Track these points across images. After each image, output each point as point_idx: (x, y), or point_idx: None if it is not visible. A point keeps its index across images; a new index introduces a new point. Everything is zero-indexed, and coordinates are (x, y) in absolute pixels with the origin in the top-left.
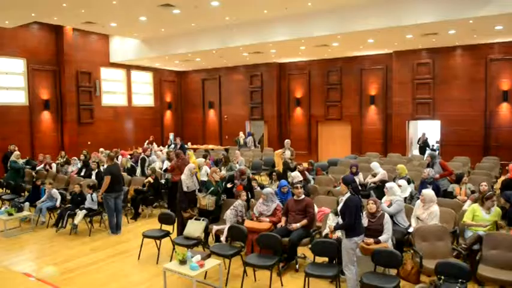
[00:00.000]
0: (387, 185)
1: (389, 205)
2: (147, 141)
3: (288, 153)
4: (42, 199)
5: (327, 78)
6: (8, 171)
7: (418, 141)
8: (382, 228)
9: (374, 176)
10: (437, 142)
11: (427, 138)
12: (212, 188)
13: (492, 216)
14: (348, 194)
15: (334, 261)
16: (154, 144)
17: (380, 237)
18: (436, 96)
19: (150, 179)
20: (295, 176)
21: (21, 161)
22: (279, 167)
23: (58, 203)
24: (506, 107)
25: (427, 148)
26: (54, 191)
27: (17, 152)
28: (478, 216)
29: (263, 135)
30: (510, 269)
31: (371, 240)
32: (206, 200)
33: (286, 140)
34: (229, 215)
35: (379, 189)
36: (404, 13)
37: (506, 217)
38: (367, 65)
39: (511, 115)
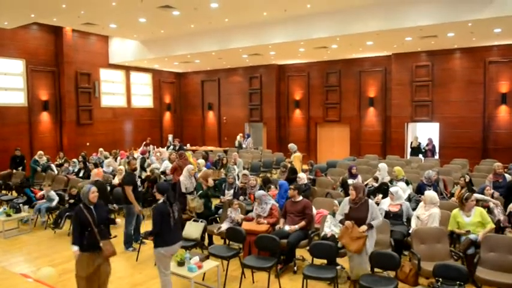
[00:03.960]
0: (392, 190)
1: (400, 209)
2: (144, 143)
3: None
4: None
5: (326, 80)
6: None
7: (410, 145)
8: (366, 214)
9: (375, 179)
10: (427, 145)
11: (420, 143)
12: (200, 192)
13: (474, 218)
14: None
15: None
16: (151, 146)
17: (372, 222)
18: (434, 99)
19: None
20: (302, 177)
21: (44, 160)
22: (299, 171)
23: (55, 203)
24: (504, 109)
25: (421, 153)
26: (52, 193)
27: (40, 152)
28: (461, 222)
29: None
30: (508, 272)
31: (364, 227)
32: (195, 203)
33: (291, 145)
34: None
35: (379, 192)
36: (404, 16)
37: None
38: (366, 67)
39: (509, 118)
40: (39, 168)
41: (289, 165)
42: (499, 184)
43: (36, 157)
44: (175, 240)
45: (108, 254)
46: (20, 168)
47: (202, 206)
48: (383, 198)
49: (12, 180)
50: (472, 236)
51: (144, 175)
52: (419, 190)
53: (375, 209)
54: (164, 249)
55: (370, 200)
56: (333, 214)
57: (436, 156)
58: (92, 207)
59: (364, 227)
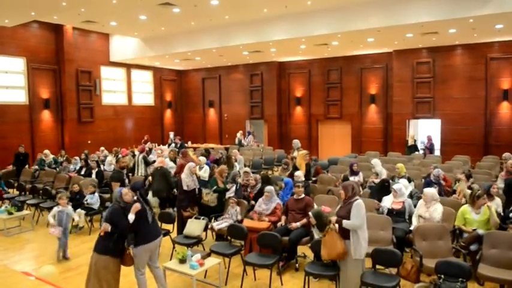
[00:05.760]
0: (395, 187)
1: (403, 206)
2: (143, 140)
3: (295, 154)
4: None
5: (327, 77)
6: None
7: (406, 143)
8: (348, 214)
9: (376, 175)
10: (426, 143)
11: (415, 141)
12: (215, 187)
13: (483, 216)
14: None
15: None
16: (149, 144)
17: (344, 221)
18: (436, 95)
19: (150, 179)
20: (299, 175)
21: (50, 157)
22: (302, 169)
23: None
24: (506, 106)
25: (417, 151)
26: (69, 209)
27: (46, 151)
28: (469, 218)
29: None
30: (510, 268)
31: (333, 218)
32: (209, 196)
33: (295, 140)
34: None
35: (381, 189)
36: (405, 12)
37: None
38: (367, 64)
39: (511, 114)
40: (47, 168)
41: (290, 162)
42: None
43: (42, 156)
44: (156, 235)
45: (129, 264)
46: (26, 166)
47: (216, 200)
48: (385, 195)
49: (21, 178)
50: (480, 231)
51: (149, 172)
52: (428, 187)
53: (355, 209)
54: (145, 246)
55: (357, 201)
56: (314, 226)
57: (437, 153)
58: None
59: (333, 218)
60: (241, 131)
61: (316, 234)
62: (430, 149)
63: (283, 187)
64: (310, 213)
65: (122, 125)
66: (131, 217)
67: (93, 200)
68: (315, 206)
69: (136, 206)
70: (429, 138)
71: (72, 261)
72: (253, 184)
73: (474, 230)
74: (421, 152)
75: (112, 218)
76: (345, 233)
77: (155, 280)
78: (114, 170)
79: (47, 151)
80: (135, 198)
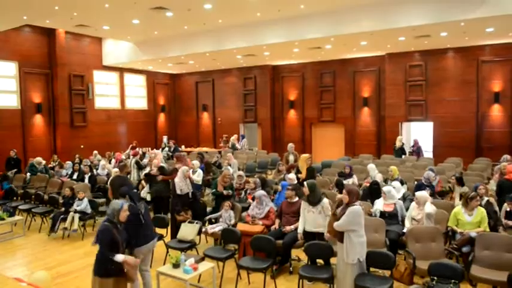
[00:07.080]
0: (384, 189)
1: (394, 208)
2: (131, 145)
3: (291, 158)
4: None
5: (320, 80)
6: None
7: (394, 147)
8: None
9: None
10: (412, 147)
11: (403, 144)
12: (214, 190)
13: (475, 218)
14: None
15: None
16: (139, 149)
17: (335, 223)
18: (428, 98)
19: (143, 183)
20: (292, 178)
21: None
22: (303, 172)
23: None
24: (497, 108)
25: (404, 154)
26: None
27: (39, 158)
28: (461, 220)
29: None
30: (502, 269)
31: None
32: (206, 198)
33: (290, 144)
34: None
35: (370, 191)
36: (397, 15)
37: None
38: (360, 67)
39: (502, 116)
40: (39, 174)
41: (285, 165)
42: None
43: (34, 163)
44: (150, 237)
45: (132, 280)
46: (15, 170)
47: (214, 202)
48: (376, 198)
49: (14, 183)
50: (472, 234)
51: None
52: (419, 190)
53: (349, 214)
54: (139, 248)
55: (354, 207)
56: (306, 197)
57: (430, 156)
58: (119, 226)
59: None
60: (235, 135)
61: (302, 209)
62: (417, 152)
63: (279, 190)
64: (305, 183)
65: (115, 129)
66: (120, 258)
67: (81, 206)
68: None
69: (123, 216)
70: (415, 142)
71: (64, 267)
72: (252, 187)
73: (461, 232)
74: (408, 155)
75: (103, 238)
76: (340, 236)
77: (142, 284)
78: (118, 177)
79: (39, 159)
80: (128, 204)
